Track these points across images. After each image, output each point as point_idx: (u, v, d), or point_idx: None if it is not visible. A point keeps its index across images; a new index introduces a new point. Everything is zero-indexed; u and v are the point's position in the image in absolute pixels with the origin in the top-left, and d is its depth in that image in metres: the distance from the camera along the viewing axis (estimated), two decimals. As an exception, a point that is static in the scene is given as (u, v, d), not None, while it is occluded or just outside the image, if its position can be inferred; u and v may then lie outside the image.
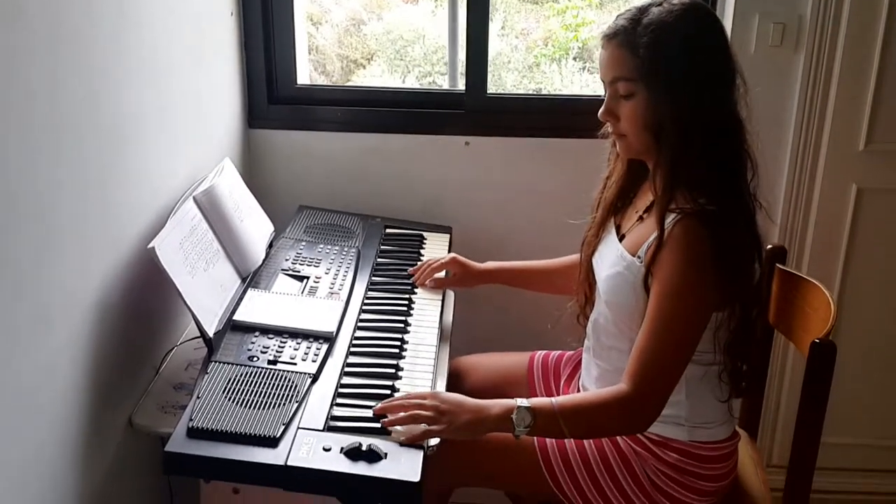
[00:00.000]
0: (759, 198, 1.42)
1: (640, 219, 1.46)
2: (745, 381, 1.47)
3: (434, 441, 1.33)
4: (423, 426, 1.31)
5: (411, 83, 3.43)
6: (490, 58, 2.11)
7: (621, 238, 1.49)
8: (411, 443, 1.29)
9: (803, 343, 1.49)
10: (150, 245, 1.38)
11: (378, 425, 1.33)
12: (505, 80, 3.44)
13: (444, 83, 3.22)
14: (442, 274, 1.79)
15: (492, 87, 2.31)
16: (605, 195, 1.55)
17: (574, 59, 3.44)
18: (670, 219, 1.35)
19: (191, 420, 1.27)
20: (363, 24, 3.58)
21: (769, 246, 1.66)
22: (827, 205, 2.07)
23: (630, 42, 1.34)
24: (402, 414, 1.32)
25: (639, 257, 1.40)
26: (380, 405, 1.35)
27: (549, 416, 1.34)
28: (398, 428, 1.31)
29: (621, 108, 1.39)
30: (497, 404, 1.35)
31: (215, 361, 1.41)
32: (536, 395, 1.65)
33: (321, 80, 3.46)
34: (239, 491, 1.36)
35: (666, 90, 1.33)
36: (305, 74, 2.27)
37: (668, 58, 1.33)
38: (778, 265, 1.66)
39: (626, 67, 1.36)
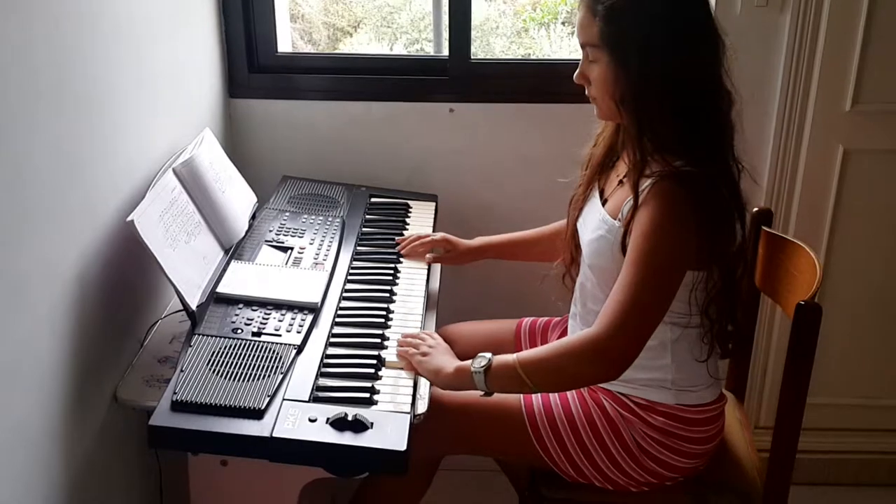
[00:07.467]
0: (742, 160, 1.40)
1: (621, 183, 1.46)
2: (731, 343, 1.47)
3: (421, 409, 1.33)
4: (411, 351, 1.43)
5: (399, 50, 3.38)
6: (478, 23, 2.08)
7: (604, 202, 1.48)
8: (401, 357, 1.44)
9: (789, 305, 1.49)
10: (129, 218, 1.36)
11: (364, 395, 1.32)
12: (493, 45, 3.40)
13: (431, 50, 3.18)
14: (431, 255, 1.78)
15: (480, 53, 2.28)
16: (594, 151, 1.55)
17: (563, 23, 3.39)
18: (646, 184, 1.34)
19: (175, 393, 1.26)
20: (348, -9, 3.52)
21: (755, 209, 1.65)
22: (813, 166, 2.05)
23: (592, 7, 1.34)
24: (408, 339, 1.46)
25: (619, 220, 1.39)
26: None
27: (507, 366, 1.36)
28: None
29: (591, 71, 1.39)
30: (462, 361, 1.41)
31: (199, 334, 1.40)
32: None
33: (308, 49, 3.40)
34: (227, 463, 1.36)
35: (622, 57, 1.32)
36: (287, 42, 2.23)
37: (624, 24, 1.31)
38: (764, 227, 1.65)
39: (590, 33, 1.35)
